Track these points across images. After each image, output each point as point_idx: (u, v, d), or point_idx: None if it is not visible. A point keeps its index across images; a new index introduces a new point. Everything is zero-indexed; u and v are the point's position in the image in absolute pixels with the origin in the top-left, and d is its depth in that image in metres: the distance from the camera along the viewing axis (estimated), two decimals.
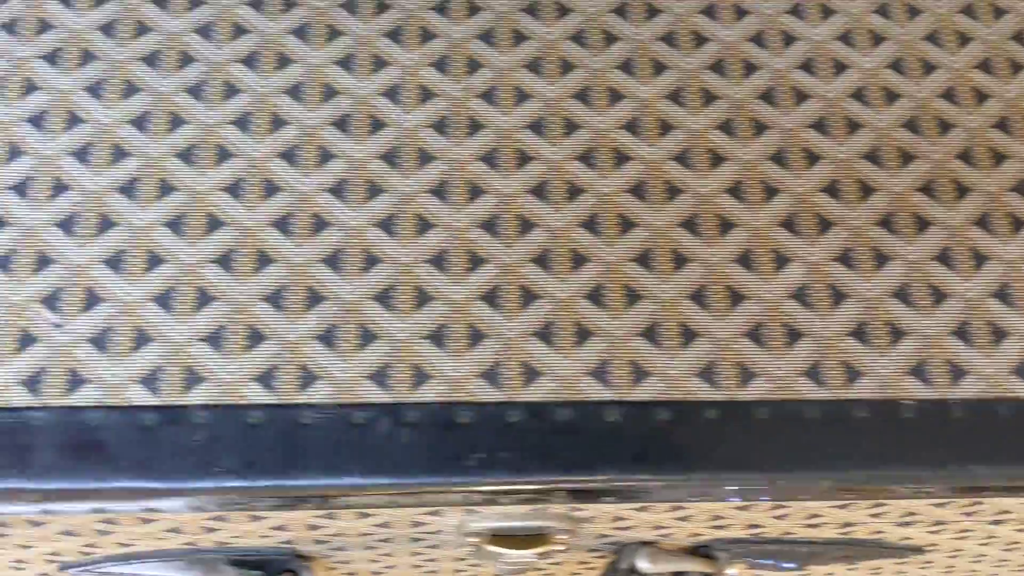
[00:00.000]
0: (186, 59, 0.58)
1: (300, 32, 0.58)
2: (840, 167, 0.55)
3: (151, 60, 0.58)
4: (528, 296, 0.51)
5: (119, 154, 0.54)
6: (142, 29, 0.58)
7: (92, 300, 0.50)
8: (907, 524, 0.57)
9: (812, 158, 0.55)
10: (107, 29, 0.58)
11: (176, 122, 0.55)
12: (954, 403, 0.49)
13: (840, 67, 0.59)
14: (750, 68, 0.58)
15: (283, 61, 0.58)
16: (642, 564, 0.58)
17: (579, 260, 0.52)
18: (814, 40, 0.59)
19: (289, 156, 0.54)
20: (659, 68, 0.58)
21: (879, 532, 0.58)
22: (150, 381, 0.48)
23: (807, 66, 0.59)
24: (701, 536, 0.58)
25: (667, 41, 0.59)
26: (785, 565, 0.63)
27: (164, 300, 0.50)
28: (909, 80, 0.59)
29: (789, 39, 0.60)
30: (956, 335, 0.51)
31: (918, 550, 0.63)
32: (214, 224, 0.52)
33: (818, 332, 0.50)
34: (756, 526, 0.56)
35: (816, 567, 0.67)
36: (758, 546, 0.60)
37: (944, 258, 0.53)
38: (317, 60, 0.58)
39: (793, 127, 0.57)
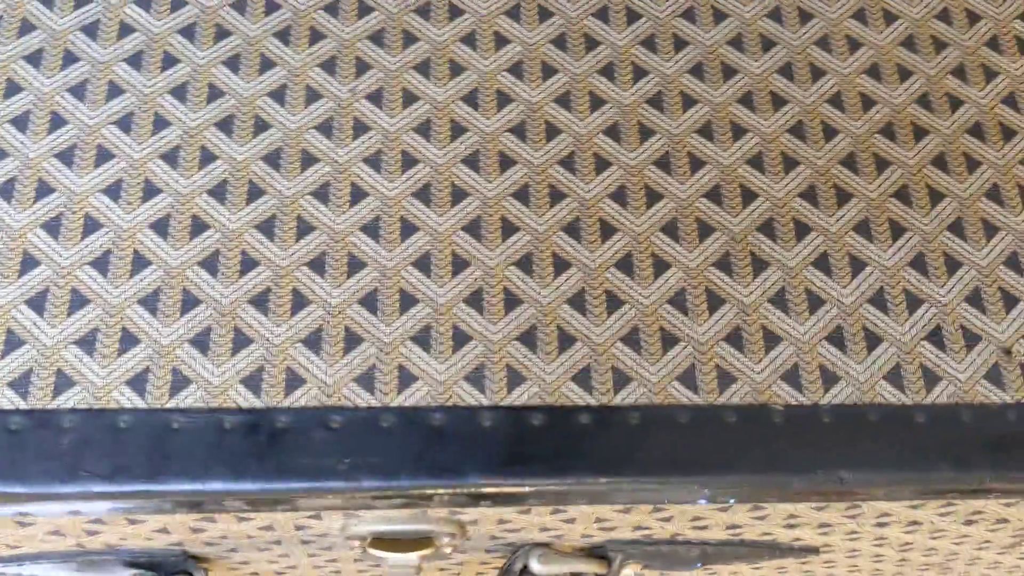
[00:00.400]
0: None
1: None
2: (724, 171, 0.55)
3: None
4: (407, 300, 0.51)
5: None
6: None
7: None
8: (793, 526, 0.57)
9: (695, 164, 0.56)
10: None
11: (56, 122, 0.55)
12: (824, 409, 0.49)
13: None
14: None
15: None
16: (534, 566, 0.58)
17: (459, 264, 0.52)
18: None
19: (170, 158, 0.54)
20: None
21: (768, 534, 0.59)
22: (20, 385, 0.48)
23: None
24: (593, 537, 0.58)
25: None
26: (683, 566, 0.63)
27: (37, 303, 0.50)
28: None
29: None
30: (830, 340, 0.51)
31: (814, 551, 0.64)
32: (91, 226, 0.52)
33: (694, 337, 0.51)
34: (643, 528, 0.56)
35: (718, 566, 0.67)
36: (652, 547, 0.60)
37: (822, 264, 0.53)
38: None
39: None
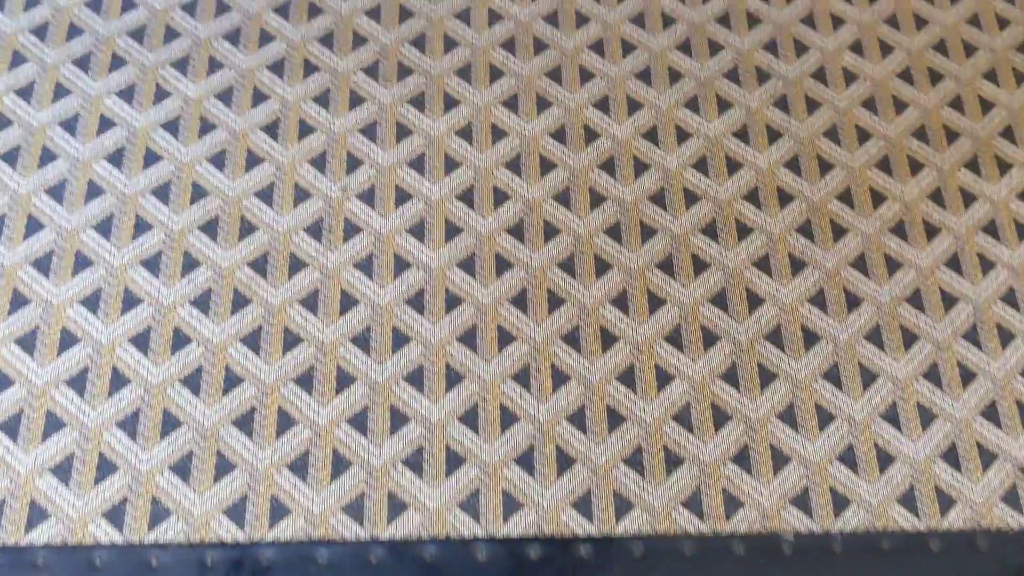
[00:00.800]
0: None
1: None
2: (729, 274, 0.53)
3: None
4: (398, 418, 0.48)
5: None
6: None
7: None
8: None
9: (699, 265, 0.53)
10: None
11: (33, 227, 0.52)
12: (835, 537, 0.47)
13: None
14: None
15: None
16: None
17: (453, 379, 0.49)
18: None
19: (151, 264, 0.51)
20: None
21: None
22: None
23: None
24: None
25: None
26: None
27: (10, 426, 0.47)
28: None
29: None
30: (841, 460, 0.49)
31: None
32: (68, 340, 0.49)
33: (699, 456, 0.48)
34: None
35: None
36: None
37: (832, 376, 0.51)
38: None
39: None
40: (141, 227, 0.52)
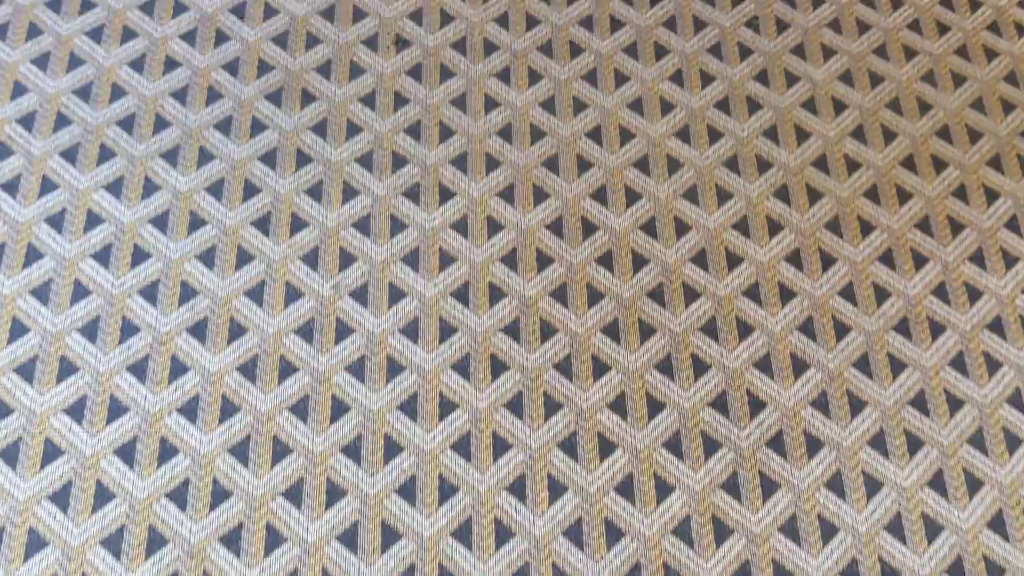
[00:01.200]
0: None
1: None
2: (729, 376, 0.52)
3: None
4: (390, 534, 0.47)
5: None
6: None
7: None
8: None
9: (699, 367, 0.52)
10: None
11: (17, 330, 0.51)
12: None
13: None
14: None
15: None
16: None
17: (446, 491, 0.48)
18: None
19: (138, 370, 0.50)
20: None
21: None
22: None
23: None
24: None
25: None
26: None
27: None
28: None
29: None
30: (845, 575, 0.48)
31: None
32: (52, 453, 0.48)
33: (700, 574, 0.47)
34: None
35: None
36: None
37: (835, 485, 0.50)
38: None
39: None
40: (128, 330, 0.51)
